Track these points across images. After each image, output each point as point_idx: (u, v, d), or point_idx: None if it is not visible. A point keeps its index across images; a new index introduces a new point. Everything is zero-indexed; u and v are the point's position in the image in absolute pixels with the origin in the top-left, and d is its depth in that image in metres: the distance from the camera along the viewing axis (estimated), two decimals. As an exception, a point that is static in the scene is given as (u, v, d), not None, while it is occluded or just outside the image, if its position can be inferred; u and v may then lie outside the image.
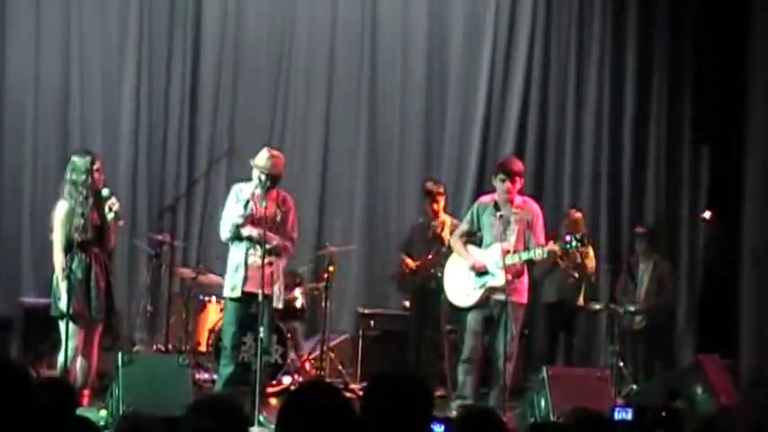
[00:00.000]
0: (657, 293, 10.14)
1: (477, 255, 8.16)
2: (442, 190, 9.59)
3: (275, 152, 7.94)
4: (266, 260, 7.62)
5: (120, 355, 7.34)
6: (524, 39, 11.25)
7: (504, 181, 8.10)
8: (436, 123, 11.33)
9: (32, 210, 10.44)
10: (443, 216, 9.52)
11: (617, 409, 6.98)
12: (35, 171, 10.56)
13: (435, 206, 9.49)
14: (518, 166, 8.23)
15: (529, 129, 11.23)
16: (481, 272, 8.06)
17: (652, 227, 10.72)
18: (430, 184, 9.69)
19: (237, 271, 7.82)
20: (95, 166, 7.49)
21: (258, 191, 7.78)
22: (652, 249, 10.26)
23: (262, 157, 7.79)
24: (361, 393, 8.52)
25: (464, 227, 8.42)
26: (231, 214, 7.83)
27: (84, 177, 7.43)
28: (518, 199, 8.17)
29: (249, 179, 7.89)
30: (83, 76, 10.69)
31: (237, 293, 7.82)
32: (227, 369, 7.84)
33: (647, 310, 10.04)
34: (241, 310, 7.86)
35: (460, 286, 8.22)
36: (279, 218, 7.83)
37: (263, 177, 7.74)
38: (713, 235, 11.05)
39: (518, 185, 8.10)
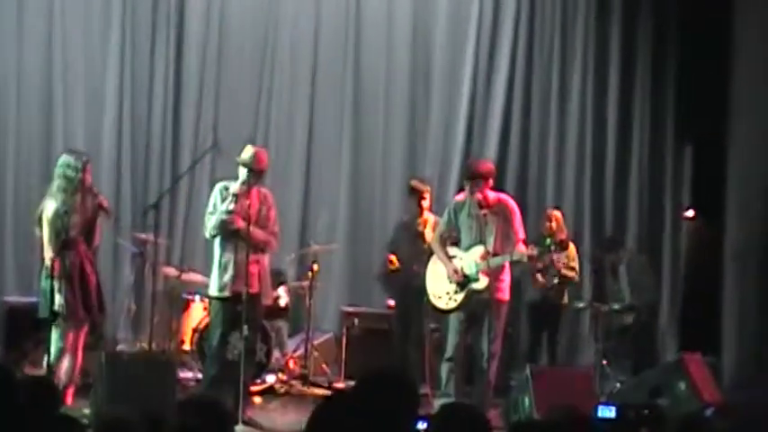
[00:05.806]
0: (639, 290, 10.18)
1: (457, 261, 8.15)
2: (427, 188, 9.64)
3: (259, 148, 8.02)
4: (253, 257, 7.64)
5: (103, 353, 7.33)
6: (507, 38, 11.25)
7: (469, 183, 8.11)
8: (420, 122, 11.33)
9: (15, 208, 10.41)
10: (427, 214, 9.53)
11: (600, 407, 7.00)
12: (17, 169, 10.54)
13: (422, 203, 9.51)
14: (483, 167, 8.27)
15: (512, 129, 11.23)
16: (462, 281, 8.07)
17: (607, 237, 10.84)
18: (416, 182, 9.73)
19: (226, 270, 7.77)
20: (86, 166, 7.52)
21: (244, 187, 7.79)
22: (622, 249, 10.35)
23: (247, 154, 7.83)
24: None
25: (442, 228, 8.40)
26: (218, 210, 7.81)
27: (75, 176, 7.44)
28: (492, 196, 8.16)
29: (233, 177, 7.89)
30: (65, 74, 10.67)
31: (226, 293, 7.78)
32: (212, 369, 7.82)
33: (631, 308, 10.08)
34: (229, 309, 7.79)
35: (443, 289, 8.21)
36: (262, 214, 7.85)
37: (248, 173, 7.75)
38: (696, 233, 11.09)
39: (478, 186, 8.05)
